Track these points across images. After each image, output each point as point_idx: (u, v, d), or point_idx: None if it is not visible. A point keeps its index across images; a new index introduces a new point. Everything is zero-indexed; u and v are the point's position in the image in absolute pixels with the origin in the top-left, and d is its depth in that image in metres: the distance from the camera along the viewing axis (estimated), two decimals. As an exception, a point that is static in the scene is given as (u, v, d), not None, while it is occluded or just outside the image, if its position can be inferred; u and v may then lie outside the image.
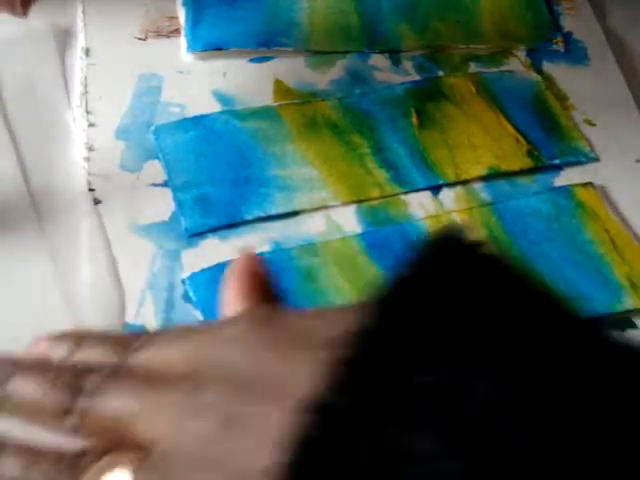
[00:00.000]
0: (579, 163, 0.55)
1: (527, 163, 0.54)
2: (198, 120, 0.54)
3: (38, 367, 0.33)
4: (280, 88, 0.56)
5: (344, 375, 0.25)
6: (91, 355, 0.33)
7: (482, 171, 0.53)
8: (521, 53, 0.60)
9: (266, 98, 0.56)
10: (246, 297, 0.34)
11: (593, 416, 0.24)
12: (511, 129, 0.55)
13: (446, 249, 0.28)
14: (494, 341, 0.25)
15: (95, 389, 0.31)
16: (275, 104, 0.55)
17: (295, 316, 0.31)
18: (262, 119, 0.54)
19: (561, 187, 0.53)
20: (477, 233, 0.50)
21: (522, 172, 0.54)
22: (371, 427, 0.24)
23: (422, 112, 0.55)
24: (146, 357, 0.31)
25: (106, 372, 0.31)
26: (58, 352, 0.33)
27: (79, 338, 0.34)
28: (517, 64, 0.59)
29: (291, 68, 0.57)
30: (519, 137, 0.55)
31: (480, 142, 0.54)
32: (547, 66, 0.59)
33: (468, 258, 0.27)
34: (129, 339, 0.33)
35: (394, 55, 0.59)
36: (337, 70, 0.58)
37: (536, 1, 0.62)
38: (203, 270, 0.47)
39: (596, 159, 0.55)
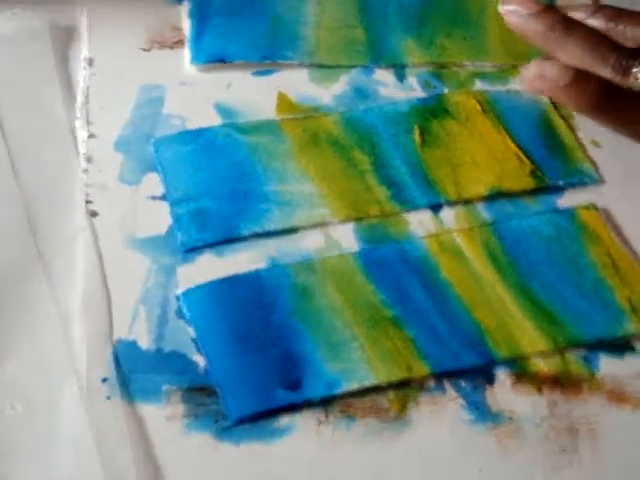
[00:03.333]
0: (583, 184, 0.54)
1: (530, 183, 0.53)
2: (199, 133, 0.53)
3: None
4: (283, 101, 0.56)
5: None
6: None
7: (484, 190, 0.53)
8: (528, 71, 0.59)
9: (269, 111, 0.55)
10: None
11: None
12: (515, 149, 0.54)
13: None
14: None
15: None
16: (277, 118, 0.55)
17: None
18: (264, 133, 0.54)
19: (563, 209, 0.52)
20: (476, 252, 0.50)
21: (525, 192, 0.53)
22: None
23: (426, 129, 0.55)
24: None
25: None
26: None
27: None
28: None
29: (295, 82, 0.57)
30: (523, 157, 0.54)
31: (483, 161, 0.54)
32: (554, 85, 0.59)
33: None
34: None
35: (399, 70, 0.58)
36: (341, 85, 0.57)
37: (544, 18, 0.62)
38: (198, 286, 0.47)
39: (600, 181, 0.54)
